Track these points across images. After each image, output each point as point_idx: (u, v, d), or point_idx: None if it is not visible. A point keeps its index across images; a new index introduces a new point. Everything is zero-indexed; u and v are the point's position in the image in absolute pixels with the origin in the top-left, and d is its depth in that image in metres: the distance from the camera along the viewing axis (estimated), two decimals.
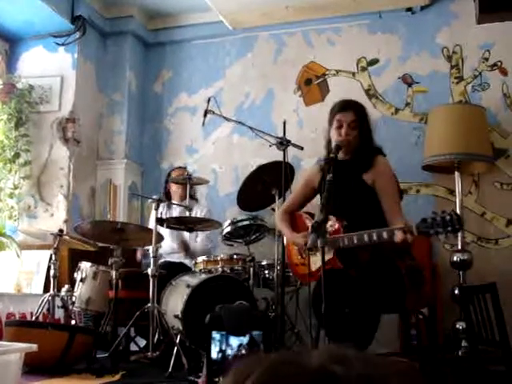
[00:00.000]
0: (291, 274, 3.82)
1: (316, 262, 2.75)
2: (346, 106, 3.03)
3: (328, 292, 2.36)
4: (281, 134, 3.73)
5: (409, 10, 4.79)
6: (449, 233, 2.38)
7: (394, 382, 0.56)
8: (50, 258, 3.83)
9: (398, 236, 2.51)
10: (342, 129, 2.94)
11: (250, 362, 0.59)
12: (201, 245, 4.37)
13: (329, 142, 2.99)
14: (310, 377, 0.55)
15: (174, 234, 4.38)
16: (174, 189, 4.50)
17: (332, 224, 2.83)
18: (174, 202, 4.49)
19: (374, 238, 2.61)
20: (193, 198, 4.28)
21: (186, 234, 4.41)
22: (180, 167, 4.76)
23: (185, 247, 4.31)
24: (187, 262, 4.25)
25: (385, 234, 2.57)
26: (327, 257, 2.79)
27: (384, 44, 4.86)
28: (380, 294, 2.63)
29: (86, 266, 3.91)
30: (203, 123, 3.98)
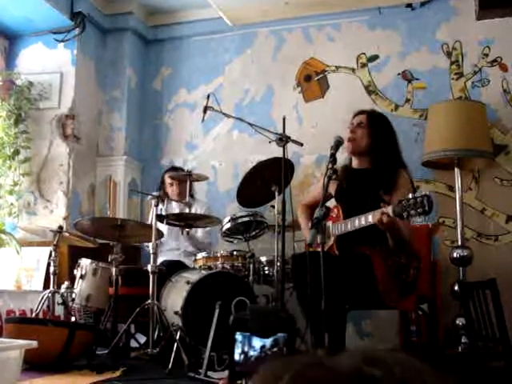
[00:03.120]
0: (290, 271, 3.83)
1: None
2: (361, 111, 3.15)
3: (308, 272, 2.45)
4: (280, 131, 3.72)
5: (409, 5, 4.78)
6: (420, 215, 2.37)
7: None
8: (50, 255, 3.82)
9: (375, 216, 2.60)
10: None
11: (278, 364, 0.57)
12: (201, 236, 4.39)
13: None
14: (345, 380, 0.52)
15: (173, 233, 4.39)
16: (170, 190, 4.49)
17: (335, 212, 2.97)
18: (173, 198, 4.49)
19: (362, 221, 2.70)
20: (191, 196, 4.25)
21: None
22: (173, 167, 4.74)
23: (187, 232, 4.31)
24: (186, 260, 4.25)
25: (370, 218, 2.65)
26: (329, 244, 2.85)
27: (384, 40, 4.85)
28: (348, 283, 2.70)
29: (85, 262, 3.91)
30: (203, 120, 3.98)
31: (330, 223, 2.92)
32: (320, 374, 0.54)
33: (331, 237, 2.91)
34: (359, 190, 2.97)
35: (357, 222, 2.74)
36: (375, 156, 3.02)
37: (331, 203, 3.10)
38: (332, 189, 3.09)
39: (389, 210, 2.55)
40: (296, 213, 3.49)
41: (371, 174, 2.98)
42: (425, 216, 2.38)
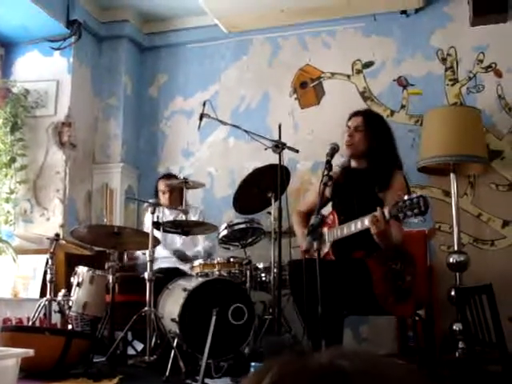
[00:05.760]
0: (288, 277, 3.83)
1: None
2: (356, 112, 3.13)
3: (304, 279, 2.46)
4: (276, 137, 3.73)
5: (403, 12, 4.81)
6: (416, 216, 2.36)
7: (394, 379, 0.57)
8: (47, 263, 3.82)
9: (370, 219, 2.56)
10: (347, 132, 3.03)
11: (264, 366, 0.61)
12: (203, 246, 4.37)
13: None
14: (318, 371, 0.56)
15: (167, 241, 4.37)
16: (162, 199, 4.47)
17: (331, 218, 2.94)
18: (170, 206, 4.47)
19: (359, 225, 2.68)
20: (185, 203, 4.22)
21: (178, 243, 4.38)
22: (166, 175, 4.68)
23: (182, 258, 4.28)
24: (182, 266, 4.23)
25: (366, 221, 2.62)
26: (325, 251, 2.85)
27: (379, 46, 4.88)
28: (345, 288, 2.70)
29: (82, 270, 3.90)
30: (199, 127, 3.98)
31: (325, 230, 2.92)
32: (297, 367, 0.58)
33: (327, 243, 2.91)
34: (355, 188, 2.97)
35: (353, 226, 2.73)
36: (373, 157, 3.02)
37: (326, 211, 3.10)
38: (328, 192, 3.10)
39: (385, 211, 2.55)
40: (292, 219, 3.48)
41: (367, 173, 2.99)
42: (421, 217, 2.37)
